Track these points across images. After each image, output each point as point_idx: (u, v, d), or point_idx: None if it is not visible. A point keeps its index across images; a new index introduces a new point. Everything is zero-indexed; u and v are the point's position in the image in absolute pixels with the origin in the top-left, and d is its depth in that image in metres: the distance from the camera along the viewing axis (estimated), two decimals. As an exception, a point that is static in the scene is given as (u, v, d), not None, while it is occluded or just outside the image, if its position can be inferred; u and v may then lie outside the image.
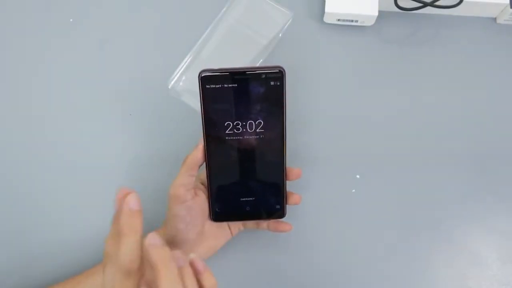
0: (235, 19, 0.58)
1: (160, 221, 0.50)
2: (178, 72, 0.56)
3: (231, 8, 0.58)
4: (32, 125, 0.58)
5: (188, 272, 0.39)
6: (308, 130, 0.58)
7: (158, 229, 0.50)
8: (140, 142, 0.57)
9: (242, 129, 0.47)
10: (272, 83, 0.46)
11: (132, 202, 0.38)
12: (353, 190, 0.56)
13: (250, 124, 0.47)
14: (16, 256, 0.54)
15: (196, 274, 0.39)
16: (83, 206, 0.56)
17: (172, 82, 0.56)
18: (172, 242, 0.48)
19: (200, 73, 0.46)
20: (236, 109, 0.47)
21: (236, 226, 0.52)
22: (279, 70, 0.46)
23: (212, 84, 0.46)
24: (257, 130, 0.48)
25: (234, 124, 0.47)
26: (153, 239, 0.38)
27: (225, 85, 0.46)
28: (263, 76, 0.46)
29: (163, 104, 0.58)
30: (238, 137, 0.48)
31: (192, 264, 0.39)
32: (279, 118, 0.47)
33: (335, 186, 0.56)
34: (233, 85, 0.46)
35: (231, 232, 0.52)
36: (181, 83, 0.56)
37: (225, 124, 0.47)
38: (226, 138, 0.48)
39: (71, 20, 0.61)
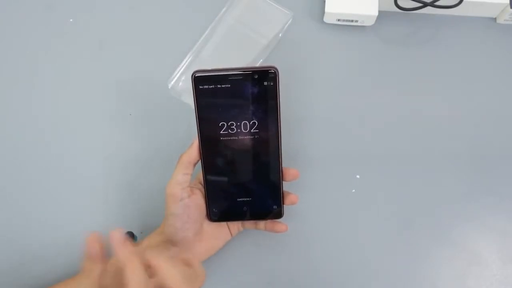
0: (235, 19, 0.58)
1: (160, 221, 0.50)
2: (178, 72, 0.56)
3: (231, 8, 0.58)
4: (32, 125, 0.58)
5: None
6: (308, 130, 0.58)
7: (156, 228, 0.50)
8: (140, 142, 0.57)
9: (237, 129, 0.47)
10: (265, 83, 0.46)
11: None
12: (353, 190, 0.56)
13: (245, 125, 0.47)
14: (16, 256, 0.54)
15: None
16: (82, 206, 0.56)
17: (172, 82, 0.56)
18: (170, 241, 0.48)
19: (193, 73, 0.46)
20: (230, 110, 0.47)
21: (235, 226, 0.52)
22: (272, 70, 0.46)
23: (205, 85, 0.46)
24: (252, 131, 0.47)
25: (229, 124, 0.47)
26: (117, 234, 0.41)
27: (219, 86, 0.46)
28: (256, 76, 0.46)
29: (163, 104, 0.58)
30: (233, 138, 0.47)
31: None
32: (274, 118, 0.47)
33: (335, 186, 0.56)
34: (227, 85, 0.46)
35: (230, 233, 0.52)
36: (181, 83, 0.56)
37: (220, 125, 0.47)
38: (221, 138, 0.47)
39: (71, 20, 0.61)
